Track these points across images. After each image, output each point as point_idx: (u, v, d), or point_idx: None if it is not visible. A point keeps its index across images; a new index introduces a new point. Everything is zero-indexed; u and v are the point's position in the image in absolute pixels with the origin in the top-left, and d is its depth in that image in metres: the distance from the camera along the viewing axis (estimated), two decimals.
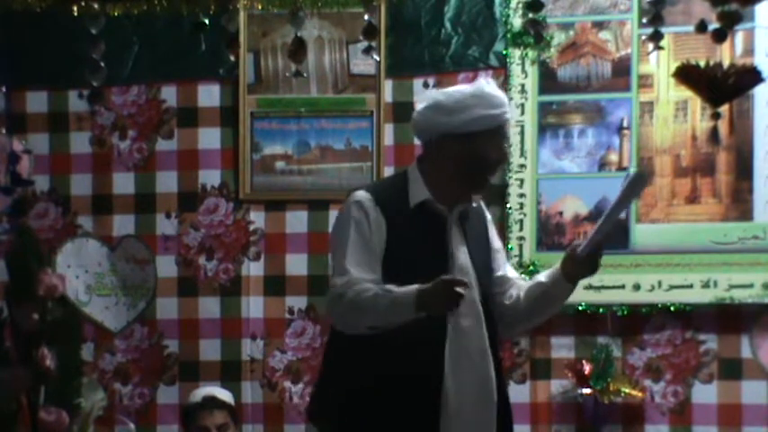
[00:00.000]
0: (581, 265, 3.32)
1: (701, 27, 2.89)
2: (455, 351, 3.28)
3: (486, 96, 3.30)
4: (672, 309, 4.52)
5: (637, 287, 4.54)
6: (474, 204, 3.41)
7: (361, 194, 3.34)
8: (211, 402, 4.38)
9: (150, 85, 4.88)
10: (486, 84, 3.37)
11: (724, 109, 3.13)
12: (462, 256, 3.34)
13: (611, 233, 3.36)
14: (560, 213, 4.62)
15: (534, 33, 3.41)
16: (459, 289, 3.05)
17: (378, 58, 4.44)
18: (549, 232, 4.58)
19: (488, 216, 3.53)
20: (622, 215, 3.36)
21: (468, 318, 3.29)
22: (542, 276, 3.42)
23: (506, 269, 3.51)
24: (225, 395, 4.51)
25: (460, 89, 3.41)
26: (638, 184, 3.37)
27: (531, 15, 3.37)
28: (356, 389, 3.29)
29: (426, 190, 3.34)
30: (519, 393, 4.59)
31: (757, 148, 4.49)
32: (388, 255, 3.29)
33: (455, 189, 3.35)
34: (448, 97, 3.34)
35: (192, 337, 4.83)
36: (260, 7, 3.92)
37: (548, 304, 3.41)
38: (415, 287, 3.11)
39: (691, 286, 4.51)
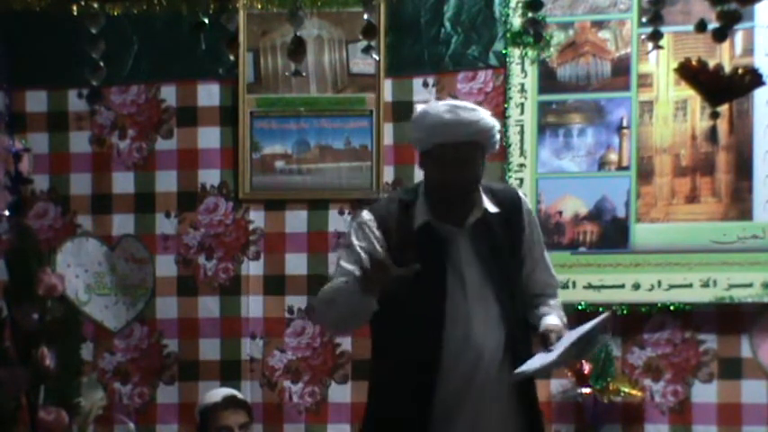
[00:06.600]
0: None
1: (701, 26, 2.88)
2: (463, 361, 3.28)
3: (422, 118, 3.31)
4: (671, 308, 4.52)
5: (636, 286, 4.54)
6: (494, 210, 3.34)
7: (365, 215, 3.37)
8: (233, 402, 4.36)
9: (150, 84, 4.89)
10: (432, 104, 3.37)
11: (724, 108, 3.12)
12: (473, 273, 3.30)
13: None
14: (560, 213, 4.62)
15: (534, 33, 3.39)
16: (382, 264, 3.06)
17: (377, 58, 4.44)
18: (549, 232, 4.58)
19: (524, 212, 3.44)
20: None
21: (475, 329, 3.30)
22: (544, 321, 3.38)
23: (536, 274, 3.45)
24: (242, 396, 4.52)
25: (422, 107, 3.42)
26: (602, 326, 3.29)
27: (530, 15, 3.35)
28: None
29: (427, 210, 3.33)
30: None
31: (757, 147, 4.49)
32: None
33: (442, 207, 3.32)
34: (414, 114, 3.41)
35: (192, 337, 4.84)
36: (259, 7, 3.92)
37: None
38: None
39: (690, 286, 4.51)
